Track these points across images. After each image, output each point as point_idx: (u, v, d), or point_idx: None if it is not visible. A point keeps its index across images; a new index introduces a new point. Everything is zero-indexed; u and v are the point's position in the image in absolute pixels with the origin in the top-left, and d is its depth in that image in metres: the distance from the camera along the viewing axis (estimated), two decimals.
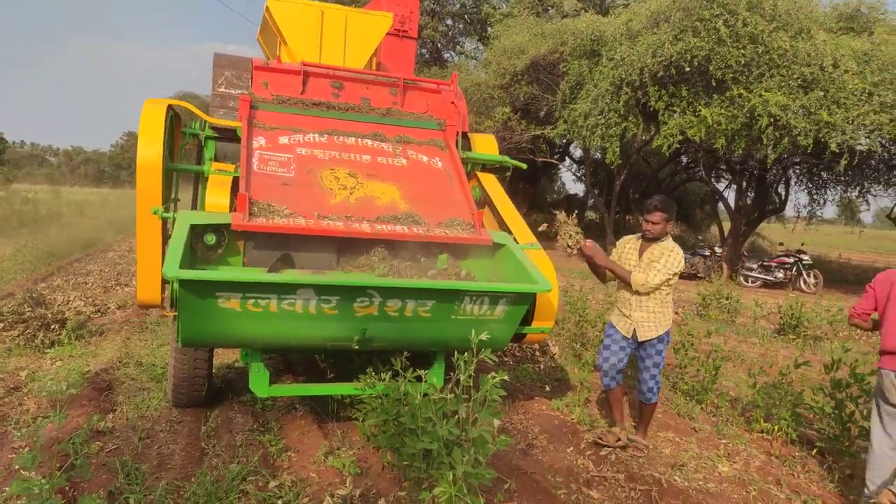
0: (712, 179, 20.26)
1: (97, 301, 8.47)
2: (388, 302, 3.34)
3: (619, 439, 4.32)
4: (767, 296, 13.22)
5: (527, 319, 3.98)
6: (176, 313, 3.41)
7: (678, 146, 14.32)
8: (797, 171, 19.26)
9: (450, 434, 2.80)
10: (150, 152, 3.75)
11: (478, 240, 4.00)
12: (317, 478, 3.68)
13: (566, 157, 27.94)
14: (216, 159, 4.54)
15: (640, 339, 4.22)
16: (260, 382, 3.73)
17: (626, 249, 4.33)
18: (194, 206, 4.80)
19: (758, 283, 15.88)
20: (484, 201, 4.85)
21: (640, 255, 4.21)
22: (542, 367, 6.45)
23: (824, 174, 18.17)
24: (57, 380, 5.04)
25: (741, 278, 15.91)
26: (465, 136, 5.05)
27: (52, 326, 6.26)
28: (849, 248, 27.87)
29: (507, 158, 5.00)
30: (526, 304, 3.63)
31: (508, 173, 5.15)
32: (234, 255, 3.83)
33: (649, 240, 4.20)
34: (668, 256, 4.10)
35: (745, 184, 18.92)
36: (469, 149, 5.08)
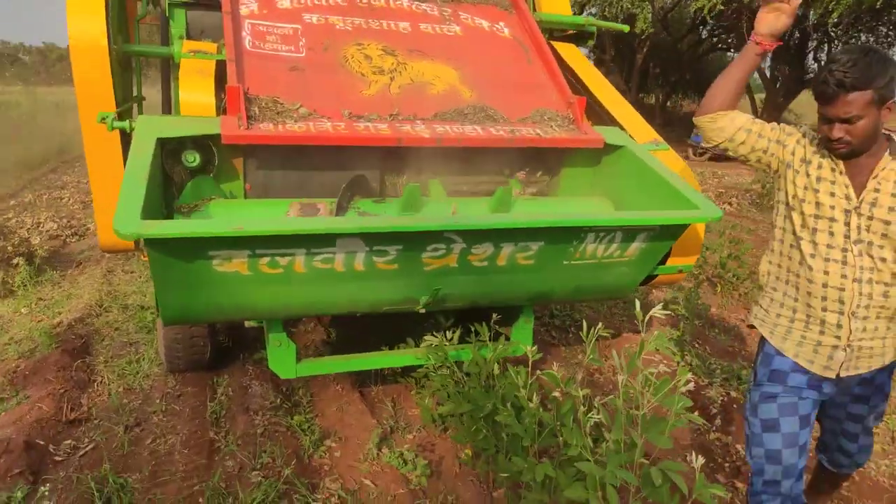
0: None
1: (73, 221, 7.27)
2: (475, 248, 2.16)
3: None
4: None
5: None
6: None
7: (721, 7, 12.47)
8: (838, 32, 17.28)
9: (613, 477, 1.71)
10: (87, 26, 2.44)
11: (585, 141, 2.72)
12: (373, 486, 2.65)
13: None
14: (189, 37, 3.18)
15: (851, 374, 1.84)
16: (283, 360, 2.62)
17: (816, 168, 1.78)
18: (167, 109, 3.42)
19: None
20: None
21: (860, 190, 1.72)
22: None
23: (882, 28, 16.06)
24: (16, 340, 3.96)
25: None
26: None
27: (15, 261, 5.12)
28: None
29: (591, 20, 3.62)
30: (674, 238, 2.43)
31: (591, 41, 3.77)
32: (231, 179, 2.58)
33: (846, 155, 1.71)
34: None
35: (781, 51, 17.09)
36: (535, 9, 3.69)
